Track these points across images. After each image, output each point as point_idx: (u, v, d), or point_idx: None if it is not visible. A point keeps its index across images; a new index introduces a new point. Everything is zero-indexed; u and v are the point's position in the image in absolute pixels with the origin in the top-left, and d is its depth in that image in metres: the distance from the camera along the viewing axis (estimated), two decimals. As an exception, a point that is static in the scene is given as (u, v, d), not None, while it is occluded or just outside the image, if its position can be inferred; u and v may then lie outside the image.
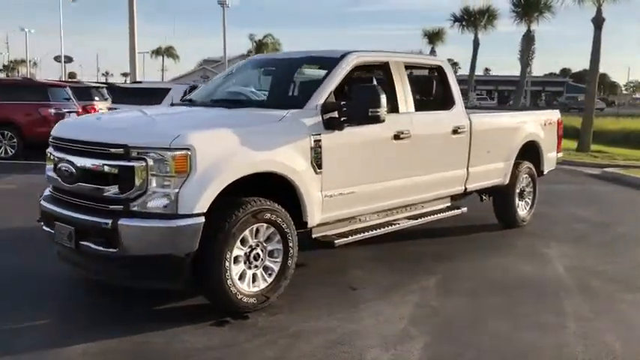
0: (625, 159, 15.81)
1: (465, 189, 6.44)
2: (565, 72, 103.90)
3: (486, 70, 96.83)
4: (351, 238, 5.10)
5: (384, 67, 5.56)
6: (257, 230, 4.32)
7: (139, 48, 24.55)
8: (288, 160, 4.43)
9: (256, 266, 4.35)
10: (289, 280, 4.56)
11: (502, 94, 77.13)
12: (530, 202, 7.55)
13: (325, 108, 4.73)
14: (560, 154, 8.23)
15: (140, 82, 17.11)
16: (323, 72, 5.16)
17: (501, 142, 6.87)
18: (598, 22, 18.58)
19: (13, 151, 13.29)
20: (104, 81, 56.21)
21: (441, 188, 6.09)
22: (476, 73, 36.62)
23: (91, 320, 4.21)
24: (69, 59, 55.07)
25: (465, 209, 6.47)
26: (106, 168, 4.06)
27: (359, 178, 5.05)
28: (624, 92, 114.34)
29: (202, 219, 3.95)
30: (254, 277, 4.35)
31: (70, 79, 42.01)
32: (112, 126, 4.76)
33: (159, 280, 4.16)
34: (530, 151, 7.44)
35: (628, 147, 19.25)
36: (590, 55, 18.77)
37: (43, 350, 3.73)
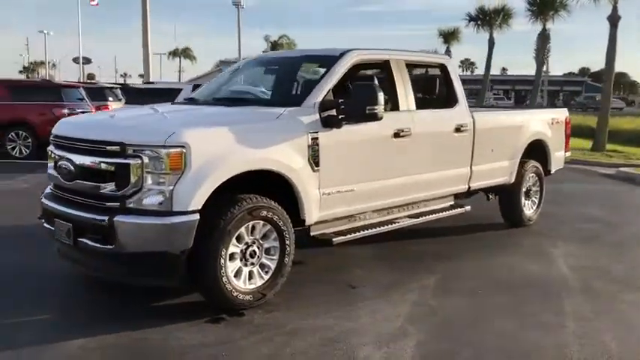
0: (640, 159, 15.60)
1: (469, 188, 6.39)
2: (584, 71, 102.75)
3: (504, 69, 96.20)
4: (349, 237, 5.08)
5: (384, 65, 5.55)
6: (253, 228, 4.32)
7: (155, 49, 24.78)
8: (285, 157, 4.44)
9: (252, 264, 4.36)
10: (286, 277, 4.56)
11: (519, 93, 76.53)
12: (536, 202, 7.47)
13: (323, 106, 4.73)
14: (568, 154, 8.13)
15: (152, 83, 17.27)
16: (323, 70, 5.16)
17: (506, 141, 6.81)
18: (614, 20, 18.36)
19: (28, 151, 13.53)
20: (122, 82, 56.72)
21: (443, 187, 6.05)
22: (494, 73, 36.30)
23: (90, 317, 4.25)
24: (87, 60, 55.62)
25: (468, 208, 6.42)
26: (103, 165, 4.11)
27: (358, 176, 5.04)
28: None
29: (197, 216, 3.97)
30: (250, 275, 4.36)
31: (88, 80, 42.49)
32: (109, 124, 4.81)
33: (155, 277, 4.19)
34: (537, 150, 7.36)
35: (644, 147, 18.96)
36: (605, 54, 18.56)
37: (42, 345, 3.78)
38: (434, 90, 6.24)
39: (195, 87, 9.79)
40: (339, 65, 5.06)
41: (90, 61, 58.25)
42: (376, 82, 5.16)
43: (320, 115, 4.69)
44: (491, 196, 7.27)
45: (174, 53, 75.87)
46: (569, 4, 25.83)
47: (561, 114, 7.88)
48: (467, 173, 6.27)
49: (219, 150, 4.11)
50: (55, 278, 5.04)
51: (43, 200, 4.70)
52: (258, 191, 4.38)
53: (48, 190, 4.80)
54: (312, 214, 4.68)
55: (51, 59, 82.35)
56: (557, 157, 7.74)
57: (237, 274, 4.27)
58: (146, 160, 3.92)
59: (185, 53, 76.08)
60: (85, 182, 4.24)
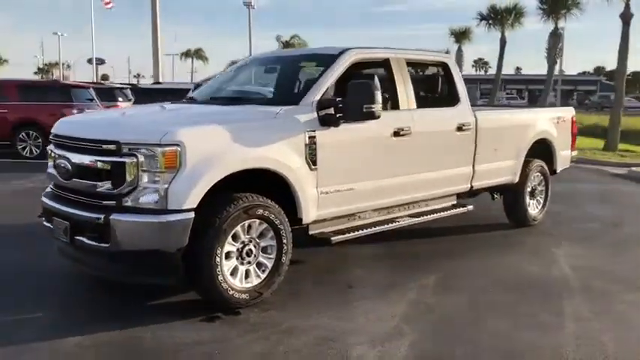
0: (653, 158, 15.41)
1: (471, 187, 6.34)
2: (599, 70, 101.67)
3: (518, 69, 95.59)
4: (348, 235, 5.06)
5: (384, 64, 5.53)
6: (249, 226, 4.32)
7: (168, 50, 25.03)
8: (282, 156, 4.43)
9: (249, 262, 4.36)
10: (283, 276, 4.55)
11: (533, 93, 75.83)
12: (542, 201, 7.39)
13: (321, 104, 4.72)
14: (574, 153, 8.04)
15: (160, 83, 17.44)
16: (321, 69, 5.15)
17: (509, 140, 6.75)
18: (626, 17, 18.16)
19: (38, 151, 13.65)
20: (136, 82, 57.13)
21: (444, 186, 6.01)
22: (508, 72, 36.02)
23: (89, 315, 4.28)
24: (101, 61, 56.11)
25: (470, 207, 6.37)
26: (99, 164, 4.13)
27: (356, 175, 5.02)
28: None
29: (192, 214, 3.98)
30: (247, 273, 4.36)
31: (102, 81, 42.81)
32: (106, 123, 4.85)
33: (152, 276, 4.20)
34: (543, 149, 7.29)
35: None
36: (617, 52, 18.36)
37: (40, 342, 3.82)
38: (435, 89, 6.21)
39: (197, 86, 9.83)
40: (337, 64, 5.05)
41: (104, 62, 58.79)
42: (377, 80, 5.13)
43: (318, 114, 4.68)
44: (496, 196, 7.22)
45: (187, 54, 76.32)
46: (582, 2, 25.66)
47: (567, 112, 7.79)
48: (469, 172, 6.23)
49: (214, 148, 4.12)
50: (55, 277, 5.08)
51: (43, 199, 4.74)
52: (255, 190, 4.37)
53: (48, 189, 4.85)
54: (309, 212, 4.67)
55: (65, 60, 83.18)
56: (563, 156, 7.66)
57: (234, 272, 4.28)
58: (141, 158, 3.94)
59: (197, 54, 76.54)
60: (81, 181, 4.27)
